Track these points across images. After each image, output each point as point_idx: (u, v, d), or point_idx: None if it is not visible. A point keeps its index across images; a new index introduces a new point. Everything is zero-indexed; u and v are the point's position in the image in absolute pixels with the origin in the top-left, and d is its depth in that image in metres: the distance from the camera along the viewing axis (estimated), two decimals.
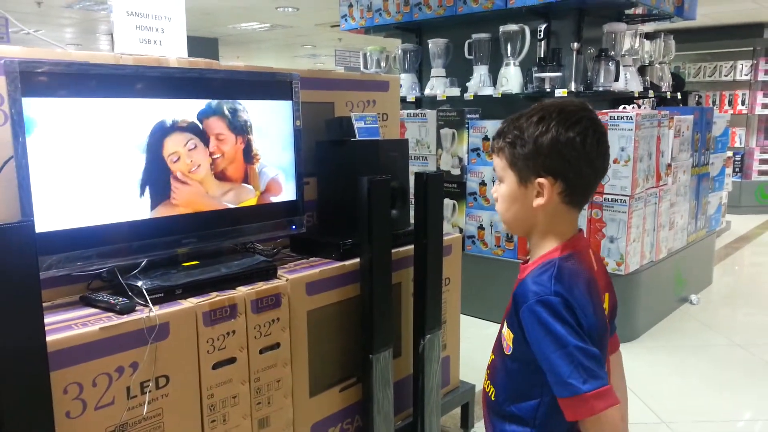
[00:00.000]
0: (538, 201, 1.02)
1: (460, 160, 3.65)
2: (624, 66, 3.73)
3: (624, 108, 3.55)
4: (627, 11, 3.92)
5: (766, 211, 7.25)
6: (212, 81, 1.59)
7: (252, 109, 1.66)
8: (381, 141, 1.96)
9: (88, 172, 1.36)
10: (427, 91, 4.14)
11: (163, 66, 1.57)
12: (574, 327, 0.94)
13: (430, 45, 4.11)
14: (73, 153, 1.34)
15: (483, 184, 3.57)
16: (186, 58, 1.64)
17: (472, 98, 3.87)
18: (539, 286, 0.98)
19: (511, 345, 1.03)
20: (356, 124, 1.96)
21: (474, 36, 3.91)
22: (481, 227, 3.63)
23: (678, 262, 3.83)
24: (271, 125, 1.72)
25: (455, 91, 4.01)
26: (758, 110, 7.52)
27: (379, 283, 1.77)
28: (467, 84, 3.97)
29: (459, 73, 4.08)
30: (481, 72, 3.92)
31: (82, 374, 1.24)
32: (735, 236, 6.01)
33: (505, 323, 1.06)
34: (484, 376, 1.15)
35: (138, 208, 1.46)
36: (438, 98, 4.05)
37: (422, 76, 4.34)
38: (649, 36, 4.20)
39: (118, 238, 1.43)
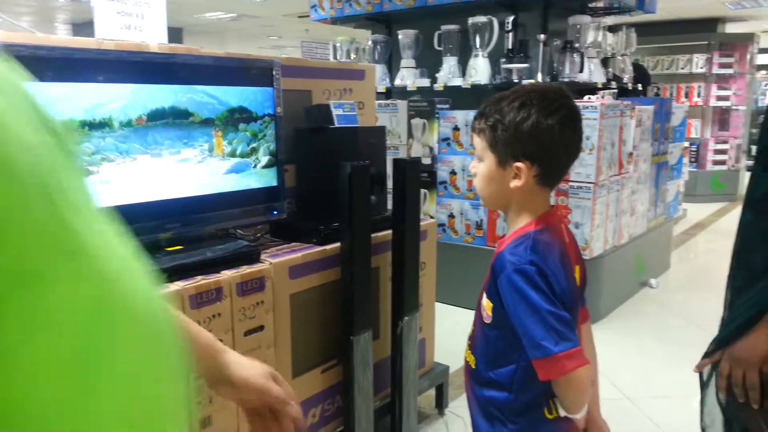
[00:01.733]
0: (515, 182, 1.08)
1: (431, 149, 3.71)
2: (588, 58, 3.85)
3: (589, 98, 3.67)
4: (590, 4, 4.04)
5: (720, 200, 7.56)
6: (196, 67, 1.61)
7: (234, 96, 1.68)
8: (360, 128, 2.00)
9: (83, 157, 1.37)
10: (398, 82, 4.19)
11: (146, 51, 1.57)
12: (548, 294, 1.01)
13: (400, 36, 4.15)
14: None
15: (453, 173, 3.65)
16: (167, 44, 1.65)
17: (442, 89, 3.93)
18: (515, 256, 1.04)
19: (491, 314, 1.10)
20: (335, 112, 1.99)
21: (443, 27, 3.97)
22: (451, 215, 3.70)
23: (638, 248, 3.99)
24: (254, 111, 1.74)
25: (425, 82, 4.07)
26: (713, 102, 7.81)
27: (360, 266, 1.82)
28: (437, 75, 4.03)
29: (428, 64, 4.14)
30: (450, 63, 3.99)
31: None
32: (691, 223, 6.26)
33: (484, 294, 1.12)
34: (465, 347, 1.22)
35: (122, 192, 1.47)
36: (408, 89, 4.10)
37: (392, 66, 4.39)
38: (612, 29, 4.33)
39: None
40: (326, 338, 1.89)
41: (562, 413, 1.07)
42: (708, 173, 7.77)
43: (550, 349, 0.99)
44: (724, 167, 7.84)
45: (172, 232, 1.59)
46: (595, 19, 3.93)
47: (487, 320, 1.10)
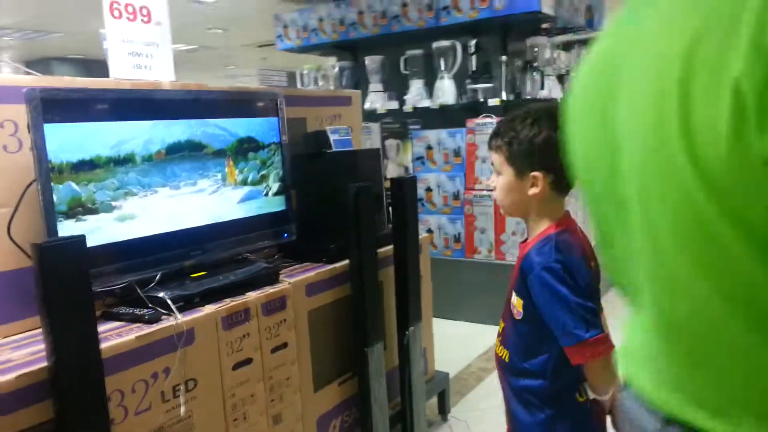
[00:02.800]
0: (533, 190, 1.22)
1: (406, 168, 3.86)
2: (545, 75, 4.09)
3: None
4: (543, 25, 4.29)
5: None
6: (209, 102, 1.70)
7: (242, 126, 1.78)
8: (359, 151, 2.12)
9: (103, 193, 1.44)
10: (367, 106, 4.32)
11: (161, 89, 1.66)
12: (573, 287, 1.14)
13: (367, 62, 4.31)
14: (88, 174, 1.41)
15: (429, 189, 3.80)
16: (178, 81, 1.74)
17: (411, 110, 4.09)
18: (542, 256, 1.18)
19: (521, 311, 1.22)
20: (332, 137, 2.10)
21: (408, 52, 4.14)
22: (429, 231, 3.84)
23: None
24: (261, 140, 1.84)
25: (394, 105, 4.23)
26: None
27: (369, 281, 1.92)
28: (405, 97, 4.19)
29: (396, 87, 4.30)
30: (417, 85, 4.16)
31: (123, 381, 1.31)
32: None
33: (514, 293, 1.25)
34: (495, 343, 1.33)
35: (152, 222, 1.54)
36: (378, 112, 4.25)
37: (361, 91, 4.53)
38: (565, 47, 4.61)
39: (136, 253, 1.50)
40: (341, 352, 1.98)
41: (591, 396, 1.19)
42: None
43: (581, 335, 1.11)
44: None
45: (196, 259, 1.66)
46: (549, 39, 4.18)
47: (518, 317, 1.22)
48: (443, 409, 2.57)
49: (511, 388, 1.27)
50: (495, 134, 1.27)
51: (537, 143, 1.19)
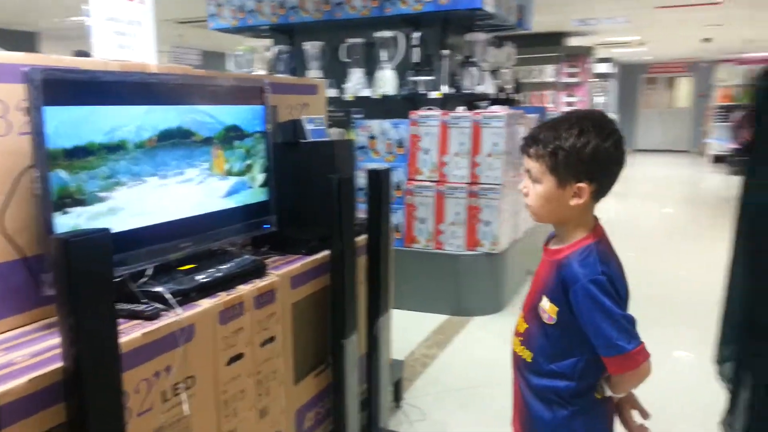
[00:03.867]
0: (576, 201, 1.21)
1: (353, 159, 3.85)
2: (482, 71, 4.24)
3: (486, 108, 4.04)
4: (478, 22, 4.43)
5: None
6: (199, 88, 1.63)
7: (229, 114, 1.72)
8: (335, 141, 2.11)
9: (99, 182, 1.35)
10: None
11: (154, 72, 1.57)
12: (617, 299, 1.18)
13: (306, 47, 4.25)
14: (86, 161, 1.31)
15: None
16: (164, 65, 1.65)
17: (352, 99, 4.10)
18: (587, 268, 1.18)
19: (555, 316, 1.24)
20: (308, 126, 2.08)
21: (349, 40, 4.13)
22: None
23: (529, 240, 4.45)
24: (246, 129, 1.79)
25: (333, 92, 4.21)
26: (563, 108, 8.79)
27: (350, 272, 1.94)
28: (344, 86, 4.19)
29: (334, 74, 4.28)
30: (357, 74, 4.17)
31: (128, 382, 1.25)
32: None
33: (545, 298, 1.27)
34: (514, 342, 1.37)
35: (142, 213, 1.46)
36: None
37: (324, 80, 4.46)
38: (496, 44, 4.78)
39: (129, 245, 1.42)
40: (318, 343, 1.98)
41: (608, 393, 1.27)
42: None
43: (624, 347, 1.16)
44: None
45: (185, 251, 1.59)
46: (486, 35, 4.33)
47: (550, 321, 1.25)
48: (398, 396, 2.64)
49: (531, 386, 1.31)
50: (534, 141, 1.24)
51: (585, 154, 1.17)
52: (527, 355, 1.32)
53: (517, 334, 1.37)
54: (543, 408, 1.29)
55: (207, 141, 1.66)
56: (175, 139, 1.56)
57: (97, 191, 1.37)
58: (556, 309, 1.24)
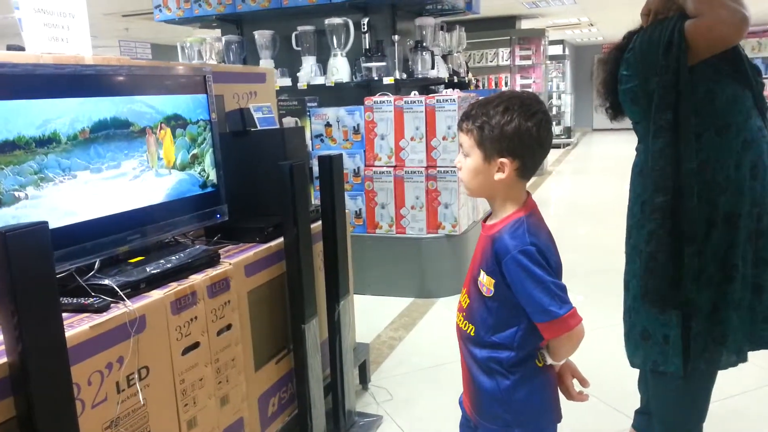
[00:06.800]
0: (499, 175, 1.26)
1: (306, 146, 3.84)
2: (434, 55, 4.26)
3: (441, 92, 4.08)
4: (427, 6, 4.45)
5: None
6: (137, 78, 1.60)
7: (170, 104, 1.70)
8: (286, 129, 2.11)
9: (31, 177, 1.32)
10: None
11: (87, 64, 1.54)
12: (547, 267, 1.23)
13: (256, 36, 4.20)
14: (15, 157, 1.29)
15: None
16: (100, 56, 1.62)
17: (306, 87, 4.07)
18: (516, 240, 1.23)
19: (492, 289, 1.28)
20: (255, 115, 2.07)
21: (300, 28, 4.10)
22: None
23: None
24: (190, 118, 1.77)
25: (287, 81, 4.18)
26: (518, 89, 8.91)
27: (305, 258, 1.94)
28: (297, 74, 4.16)
29: (287, 63, 4.25)
30: (309, 62, 4.14)
31: (79, 374, 1.24)
32: None
33: (482, 272, 1.30)
34: (458, 317, 1.40)
35: (86, 207, 1.44)
36: None
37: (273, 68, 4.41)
38: (447, 28, 4.81)
39: (72, 240, 1.40)
40: (277, 329, 1.99)
41: (549, 361, 1.32)
42: None
43: (556, 312, 1.21)
44: None
45: (133, 244, 1.58)
46: (436, 19, 4.35)
47: (489, 294, 1.29)
48: (364, 379, 2.66)
49: (475, 358, 1.35)
50: (466, 116, 1.29)
51: (507, 130, 1.22)
52: (470, 328, 1.35)
53: (460, 309, 1.40)
54: (487, 379, 1.32)
55: (145, 131, 1.64)
56: (109, 129, 1.53)
57: (33, 183, 1.34)
58: (493, 281, 1.28)
